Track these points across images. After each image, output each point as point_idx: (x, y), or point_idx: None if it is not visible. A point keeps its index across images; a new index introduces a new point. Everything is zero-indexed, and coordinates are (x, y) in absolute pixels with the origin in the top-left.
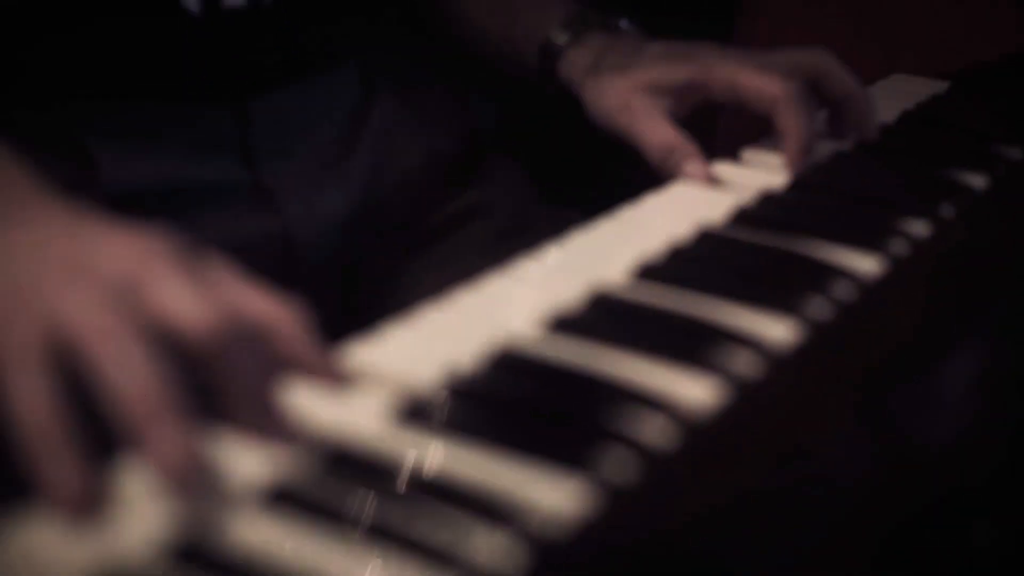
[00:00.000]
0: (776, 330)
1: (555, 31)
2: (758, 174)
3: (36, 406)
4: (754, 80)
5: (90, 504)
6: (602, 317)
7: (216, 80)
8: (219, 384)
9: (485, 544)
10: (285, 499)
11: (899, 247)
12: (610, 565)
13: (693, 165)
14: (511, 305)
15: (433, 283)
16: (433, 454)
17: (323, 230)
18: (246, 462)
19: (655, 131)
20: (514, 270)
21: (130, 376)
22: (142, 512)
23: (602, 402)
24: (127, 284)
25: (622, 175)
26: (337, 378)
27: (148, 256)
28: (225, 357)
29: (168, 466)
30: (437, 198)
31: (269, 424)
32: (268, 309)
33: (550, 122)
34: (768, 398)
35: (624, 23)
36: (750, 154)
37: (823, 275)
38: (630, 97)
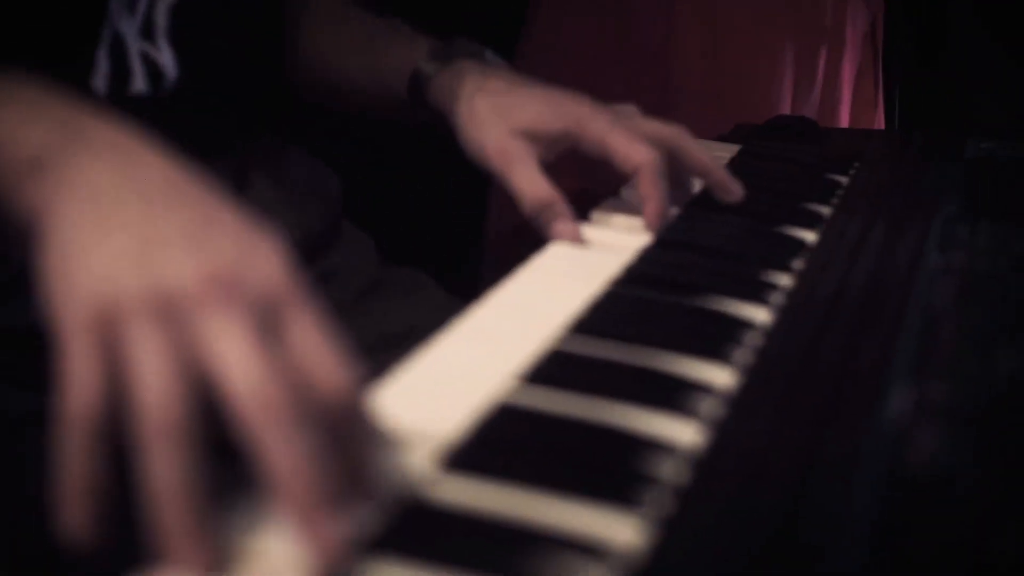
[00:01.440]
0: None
1: (424, 61)
2: (619, 233)
3: (172, 479)
4: (624, 145)
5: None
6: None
7: None
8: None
9: None
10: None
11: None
12: None
13: (564, 225)
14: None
15: None
16: (500, 499)
17: None
18: None
19: (531, 183)
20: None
21: (295, 463)
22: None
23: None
24: (269, 315)
25: (461, 236)
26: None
27: (288, 280)
28: (355, 432)
29: (326, 553)
30: (304, 266)
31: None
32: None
33: (390, 187)
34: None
35: (489, 53)
36: (601, 215)
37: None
38: (507, 142)
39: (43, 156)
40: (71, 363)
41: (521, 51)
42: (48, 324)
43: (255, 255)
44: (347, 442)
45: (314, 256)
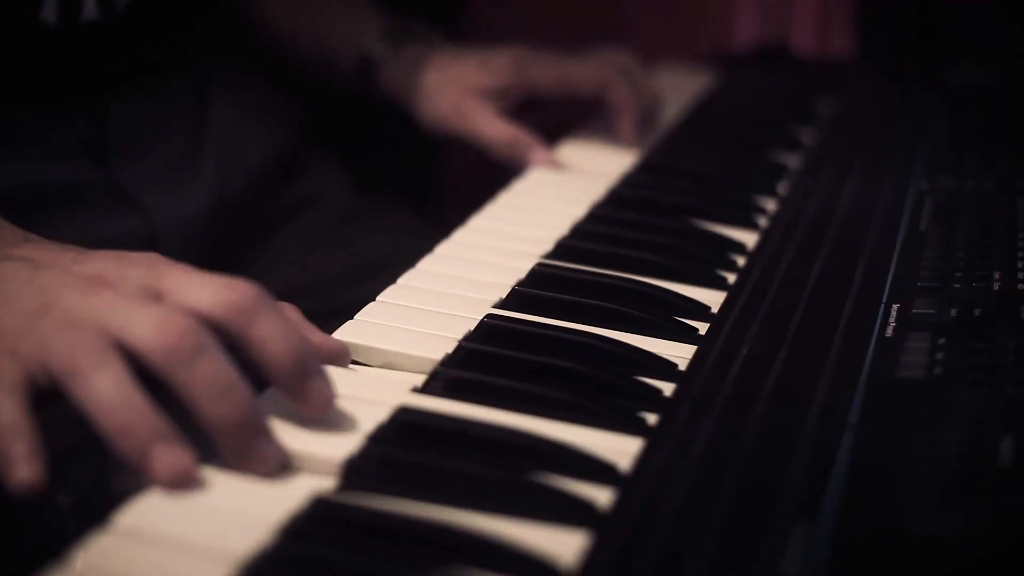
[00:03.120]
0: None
1: (374, 44)
2: (598, 157)
3: (118, 401)
4: (579, 69)
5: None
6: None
7: (71, 85)
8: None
9: None
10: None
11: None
12: None
13: (538, 153)
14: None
15: (280, 275)
16: None
17: (184, 225)
18: None
19: (493, 126)
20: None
21: (221, 393)
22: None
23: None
24: (150, 290)
25: (430, 161)
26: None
27: (154, 264)
28: (263, 316)
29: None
30: (274, 191)
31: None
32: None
33: (360, 114)
34: None
35: (436, 35)
36: (581, 138)
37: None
38: (461, 101)
39: None
40: None
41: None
42: None
43: (126, 259)
44: (264, 337)
45: (284, 181)
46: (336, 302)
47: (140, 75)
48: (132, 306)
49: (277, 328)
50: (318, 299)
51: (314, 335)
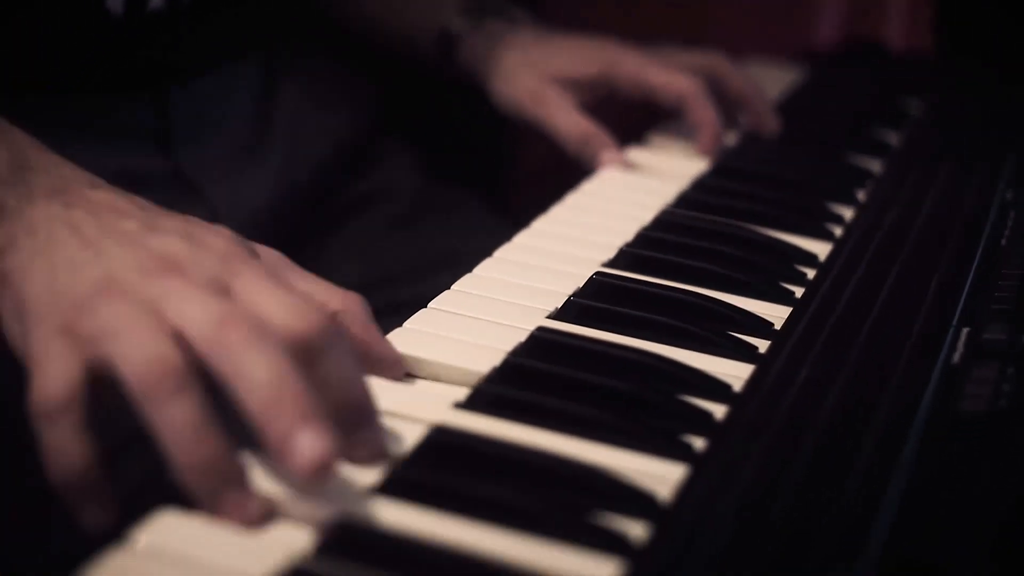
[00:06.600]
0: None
1: (453, 19)
2: (673, 160)
3: (187, 421)
4: (663, 76)
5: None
6: None
7: (136, 73)
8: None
9: None
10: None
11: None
12: None
13: (609, 153)
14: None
15: (350, 267)
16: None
17: (249, 214)
18: None
19: (569, 120)
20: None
21: (261, 379)
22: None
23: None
24: (221, 285)
25: (507, 154)
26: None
27: (235, 255)
28: (330, 355)
29: (305, 471)
30: (342, 182)
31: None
32: (343, 301)
33: (435, 103)
34: None
35: (517, 10)
36: (658, 139)
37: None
38: (541, 88)
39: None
40: (45, 366)
41: None
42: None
43: (197, 242)
44: (326, 379)
45: (353, 172)
46: (405, 295)
47: (205, 61)
48: (198, 295)
49: (340, 368)
50: (387, 292)
51: (376, 341)
